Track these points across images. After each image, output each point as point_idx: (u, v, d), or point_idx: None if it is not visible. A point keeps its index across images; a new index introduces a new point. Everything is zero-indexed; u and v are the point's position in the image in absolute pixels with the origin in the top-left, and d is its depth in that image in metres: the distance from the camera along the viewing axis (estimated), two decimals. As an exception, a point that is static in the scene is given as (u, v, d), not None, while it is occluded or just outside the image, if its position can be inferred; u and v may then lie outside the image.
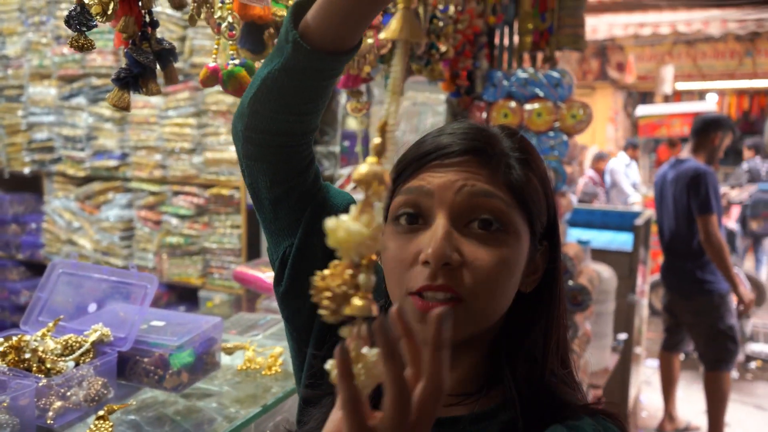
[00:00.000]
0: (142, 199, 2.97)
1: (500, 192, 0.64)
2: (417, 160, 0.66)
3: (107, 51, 2.89)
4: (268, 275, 2.11)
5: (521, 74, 2.59)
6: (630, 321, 3.71)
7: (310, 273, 0.57)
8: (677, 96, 9.66)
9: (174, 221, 2.88)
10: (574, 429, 0.64)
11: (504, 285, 0.65)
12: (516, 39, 2.86)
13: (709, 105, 7.64)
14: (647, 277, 4.47)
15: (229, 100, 2.67)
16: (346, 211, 0.71)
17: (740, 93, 9.40)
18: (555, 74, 2.58)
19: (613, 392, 3.59)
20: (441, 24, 1.98)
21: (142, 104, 2.88)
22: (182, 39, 2.69)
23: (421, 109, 2.73)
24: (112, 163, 2.99)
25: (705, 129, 3.55)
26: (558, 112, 2.55)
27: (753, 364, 4.92)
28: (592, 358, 3.13)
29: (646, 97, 9.96)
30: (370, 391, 0.46)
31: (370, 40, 1.53)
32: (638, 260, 3.75)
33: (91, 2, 0.96)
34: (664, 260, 3.84)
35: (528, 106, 2.55)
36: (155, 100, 2.84)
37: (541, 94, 2.55)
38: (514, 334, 0.70)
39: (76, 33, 0.95)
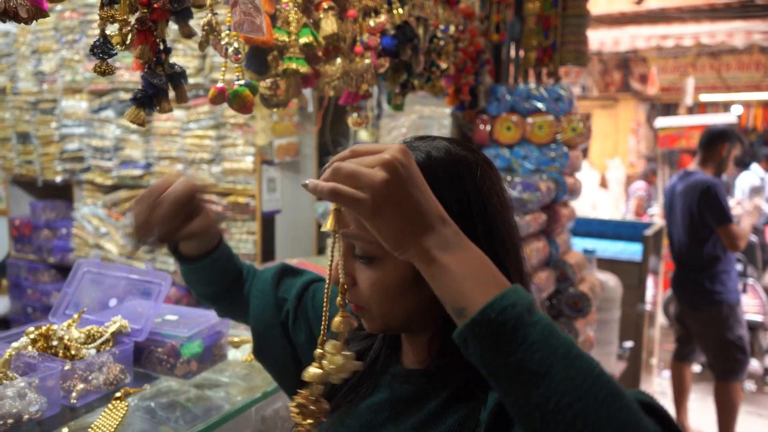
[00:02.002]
0: (165, 207, 3.14)
1: (365, 231, 0.74)
2: None
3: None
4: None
5: (523, 89, 2.70)
6: (639, 330, 3.76)
7: (270, 330, 1.08)
8: (702, 108, 9.59)
9: (194, 227, 3.03)
10: None
11: (385, 298, 0.79)
12: (521, 54, 2.97)
13: (729, 117, 7.60)
14: (660, 287, 4.50)
15: (245, 114, 2.82)
16: (276, 276, 1.14)
17: (766, 105, 9.30)
18: (557, 89, 2.69)
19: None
20: (442, 43, 2.10)
21: (166, 117, 3.05)
22: (203, 56, 2.85)
23: (426, 122, 2.85)
24: (137, 172, 3.16)
25: (712, 141, 3.59)
26: (559, 125, 2.65)
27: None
28: (597, 364, 3.20)
29: (670, 109, 9.91)
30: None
31: (367, 61, 1.66)
32: (647, 270, 3.80)
33: (112, 33, 1.11)
34: (674, 271, 3.87)
35: (530, 120, 2.66)
36: (177, 113, 3.01)
37: (542, 107, 2.66)
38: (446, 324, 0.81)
39: (99, 60, 1.10)
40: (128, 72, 3.10)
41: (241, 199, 2.90)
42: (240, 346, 1.73)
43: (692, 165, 3.72)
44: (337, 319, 0.74)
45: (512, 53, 2.99)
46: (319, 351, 0.75)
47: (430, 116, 2.82)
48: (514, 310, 0.58)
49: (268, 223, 2.92)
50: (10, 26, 3.50)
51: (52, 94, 3.44)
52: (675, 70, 9.00)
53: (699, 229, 3.54)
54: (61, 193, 3.83)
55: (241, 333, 1.82)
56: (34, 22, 1.02)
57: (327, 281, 0.76)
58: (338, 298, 0.77)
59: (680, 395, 3.92)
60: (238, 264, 1.17)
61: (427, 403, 0.83)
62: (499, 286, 0.62)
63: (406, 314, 0.82)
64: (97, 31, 1.01)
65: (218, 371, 1.61)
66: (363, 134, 3.12)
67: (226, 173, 2.92)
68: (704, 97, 8.82)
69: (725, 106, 9.48)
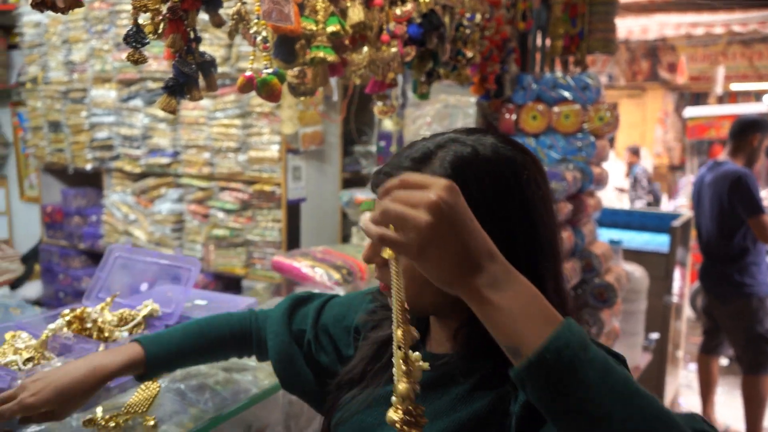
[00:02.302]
0: (192, 194, 3.18)
1: None
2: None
3: (162, 57, 3.11)
4: (303, 264, 2.27)
5: (550, 78, 2.68)
6: (666, 322, 3.73)
7: (295, 368, 1.11)
8: (732, 97, 9.39)
9: (220, 215, 3.08)
10: None
11: (414, 285, 0.79)
12: (548, 43, 2.94)
13: (761, 107, 7.43)
14: (687, 279, 4.44)
15: (272, 103, 2.85)
16: (286, 313, 1.16)
17: (799, 94, 9.08)
18: (584, 77, 2.66)
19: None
20: (468, 31, 2.09)
21: (192, 106, 3.09)
22: (229, 45, 2.88)
23: (452, 112, 2.84)
24: (165, 160, 3.21)
25: (743, 131, 3.52)
26: (586, 114, 2.63)
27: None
28: (623, 355, 3.18)
29: (699, 98, 9.72)
30: None
31: (394, 49, 1.66)
32: (675, 262, 3.76)
33: (145, 23, 1.13)
34: (702, 263, 3.82)
35: (556, 109, 2.64)
36: (204, 102, 3.04)
37: (569, 96, 2.64)
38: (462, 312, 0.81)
39: (132, 49, 1.12)
40: (156, 61, 3.14)
41: (267, 188, 2.93)
42: (267, 332, 1.76)
43: (722, 155, 3.66)
44: (399, 331, 0.71)
45: (539, 42, 2.96)
46: (404, 368, 0.72)
47: (455, 105, 2.81)
48: (569, 350, 0.59)
49: (293, 211, 2.94)
50: (41, 17, 3.56)
51: (82, 84, 3.50)
52: (705, 59, 8.81)
53: (728, 220, 3.49)
54: (92, 181, 3.91)
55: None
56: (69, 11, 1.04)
57: (394, 310, 0.72)
58: (399, 315, 0.72)
59: (707, 388, 3.88)
60: (224, 335, 1.19)
61: (452, 387, 0.83)
62: (552, 323, 0.61)
63: (432, 303, 0.83)
64: (126, 21, 1.03)
65: (245, 356, 1.64)
66: (388, 123, 3.12)
67: (251, 162, 2.95)
68: (735, 86, 8.64)
69: (757, 96, 9.27)
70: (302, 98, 1.57)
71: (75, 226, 3.76)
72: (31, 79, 3.75)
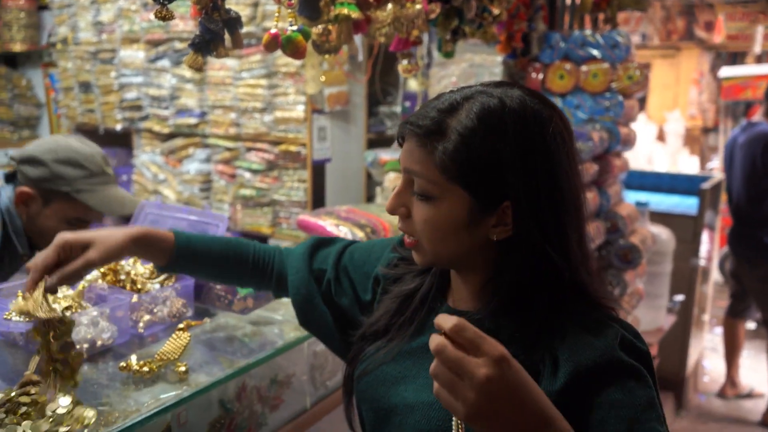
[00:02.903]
0: (219, 154, 3.23)
1: (427, 171, 0.81)
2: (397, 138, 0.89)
3: (188, 17, 3.13)
4: (328, 223, 2.31)
5: (578, 35, 2.63)
6: (691, 285, 3.71)
7: (313, 305, 1.14)
8: (772, 57, 9.06)
9: (247, 175, 3.12)
10: (581, 336, 0.78)
11: (436, 237, 0.83)
12: (577, 0, 2.87)
13: (802, 66, 7.17)
14: (716, 243, 4.39)
15: (297, 63, 2.85)
16: (309, 251, 1.17)
17: (842, 53, 8.71)
18: (614, 35, 2.60)
19: (671, 354, 3.62)
20: (495, -13, 2.06)
21: (219, 66, 3.10)
22: (255, 5, 2.87)
23: (477, 71, 2.81)
24: (193, 120, 3.25)
25: None
26: (614, 73, 2.58)
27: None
28: (646, 317, 3.18)
29: (737, 58, 9.39)
30: None
31: (418, 6, 1.65)
32: (703, 224, 3.71)
33: (172, -21, 1.14)
34: (731, 226, 3.77)
35: (584, 68, 2.59)
36: (230, 62, 3.06)
37: (598, 55, 2.59)
38: (505, 263, 0.83)
39: (159, 5, 1.14)
40: (182, 21, 3.16)
41: (293, 148, 2.96)
42: (292, 287, 1.81)
43: (756, 116, 3.57)
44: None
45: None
46: None
47: (481, 64, 2.79)
48: None
49: (318, 171, 2.97)
50: (70, -23, 3.59)
51: (110, 44, 3.54)
52: (744, 17, 8.48)
53: (760, 183, 3.43)
54: (122, 141, 3.98)
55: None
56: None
57: None
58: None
59: (732, 352, 3.87)
60: (247, 257, 1.20)
61: None
62: None
63: (455, 253, 0.85)
64: None
65: (271, 310, 1.69)
66: (413, 83, 3.11)
67: (277, 122, 2.97)
68: (775, 46, 8.32)
69: (797, 55, 8.93)
70: (327, 57, 1.57)
71: (107, 186, 3.84)
72: (62, 39, 3.80)
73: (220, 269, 1.20)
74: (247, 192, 3.11)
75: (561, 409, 0.68)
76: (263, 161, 3.06)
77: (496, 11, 2.08)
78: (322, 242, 1.18)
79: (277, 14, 1.33)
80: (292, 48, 1.32)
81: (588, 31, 2.67)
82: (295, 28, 1.31)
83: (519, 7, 2.33)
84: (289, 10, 1.31)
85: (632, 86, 2.57)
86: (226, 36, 1.28)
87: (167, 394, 1.20)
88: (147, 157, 3.51)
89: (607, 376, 0.74)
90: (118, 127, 3.62)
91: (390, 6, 1.58)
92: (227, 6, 1.27)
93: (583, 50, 2.60)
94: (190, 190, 3.29)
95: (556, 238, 0.80)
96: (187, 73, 3.21)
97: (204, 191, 3.30)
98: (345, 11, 1.40)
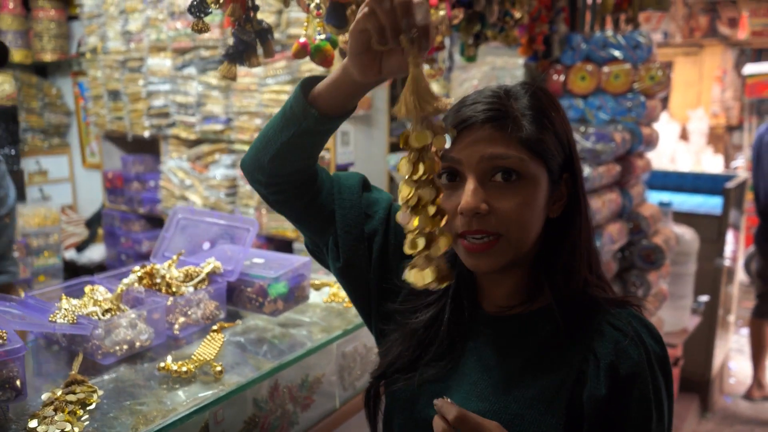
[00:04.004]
0: (245, 160, 3.29)
1: (513, 150, 0.81)
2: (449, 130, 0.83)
3: (214, 25, 3.18)
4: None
5: (600, 37, 2.64)
6: (716, 285, 3.68)
7: (358, 244, 0.98)
8: (798, 53, 8.92)
9: (272, 179, 3.17)
10: (617, 327, 0.83)
11: (528, 219, 0.82)
12: (598, 1, 2.88)
13: (828, 62, 7.05)
14: (741, 242, 4.35)
15: (322, 69, 2.89)
16: (359, 186, 1.02)
17: None
18: (635, 36, 2.61)
19: (696, 355, 3.60)
20: (516, -9, 2.09)
21: (244, 73, 3.16)
22: (279, 12, 2.92)
23: (499, 74, 2.83)
24: (219, 127, 3.32)
25: None
26: (636, 74, 2.58)
27: None
28: (671, 318, 3.17)
29: (762, 55, 9.25)
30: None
31: (442, 12, 1.68)
32: (727, 224, 3.69)
33: (206, -7, 1.19)
34: (759, 225, 3.73)
35: (606, 69, 2.60)
36: (255, 69, 3.11)
37: (619, 56, 2.59)
38: (550, 252, 0.87)
39: (195, 18, 1.19)
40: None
41: (317, 152, 3.00)
42: (320, 289, 1.85)
43: None
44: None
45: (589, 0, 2.90)
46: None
47: (503, 67, 2.81)
48: None
49: (342, 175, 3.01)
50: (99, -12, 3.68)
51: (139, 53, 3.62)
52: (768, 13, 8.37)
53: None
54: (149, 148, 4.06)
55: (321, 277, 1.93)
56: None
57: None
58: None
59: (759, 353, 3.83)
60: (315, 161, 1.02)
61: (516, 351, 0.86)
62: None
63: (533, 239, 0.85)
64: None
65: (300, 312, 1.73)
66: (434, 86, 3.14)
67: (302, 127, 3.02)
68: (800, 41, 8.19)
69: (825, 51, 8.78)
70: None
71: (134, 192, 3.93)
72: (91, 49, 3.89)
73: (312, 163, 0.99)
74: (272, 196, 3.17)
75: (601, 411, 0.78)
76: (287, 166, 3.11)
77: (517, 15, 2.11)
78: (366, 183, 1.05)
79: (306, 23, 1.36)
80: (321, 56, 1.35)
81: (609, 32, 2.68)
82: (323, 36, 1.35)
83: (540, 10, 2.35)
84: (318, 20, 1.35)
85: (654, 87, 2.57)
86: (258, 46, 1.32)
87: (205, 393, 1.24)
88: (174, 163, 3.58)
89: (631, 390, 0.80)
90: (146, 134, 3.70)
91: (414, 13, 1.61)
92: (258, 17, 1.31)
93: (604, 51, 2.61)
94: (216, 195, 3.36)
95: (577, 198, 0.89)
96: (213, 80, 3.27)
97: (230, 196, 3.36)
98: (371, 20, 1.43)
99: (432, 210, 0.74)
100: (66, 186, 4.88)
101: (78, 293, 1.49)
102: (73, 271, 4.27)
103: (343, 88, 0.83)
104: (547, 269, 0.87)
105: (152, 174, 3.90)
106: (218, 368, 1.30)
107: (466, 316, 0.91)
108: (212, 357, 1.35)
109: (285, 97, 3.02)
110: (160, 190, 3.73)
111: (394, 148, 3.21)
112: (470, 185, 0.80)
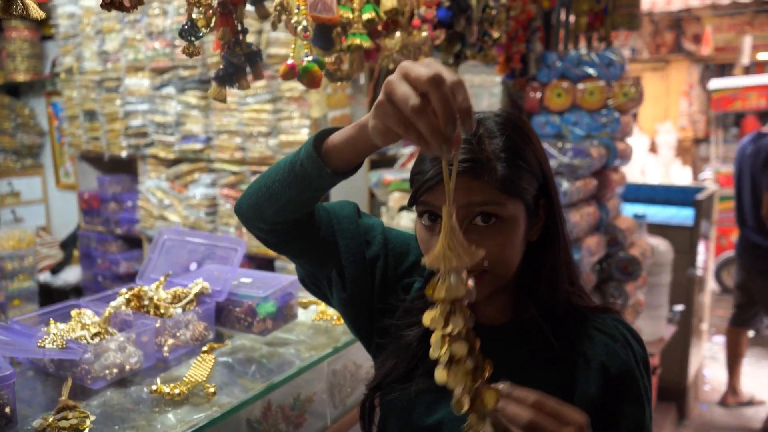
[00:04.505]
0: (225, 179, 3.28)
1: (491, 196, 0.83)
2: (424, 182, 0.84)
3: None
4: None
5: (574, 55, 2.71)
6: (690, 294, 3.76)
7: (363, 272, 0.99)
8: (759, 67, 9.20)
9: (253, 198, 3.17)
10: (604, 331, 0.89)
11: (510, 255, 0.86)
12: (572, 20, 2.96)
13: (788, 77, 7.31)
14: (711, 252, 4.45)
15: (301, 87, 2.92)
16: (355, 215, 1.03)
17: (828, 63, 8.87)
18: (608, 54, 2.69)
19: (672, 364, 3.66)
20: (494, 12, 2.13)
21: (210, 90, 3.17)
22: (259, 32, 2.94)
23: (477, 91, 2.89)
24: (198, 146, 3.31)
25: None
26: (610, 90, 2.66)
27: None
28: (647, 327, 3.23)
29: (725, 70, 9.55)
30: None
31: (425, 33, 1.72)
32: (699, 235, 3.78)
33: (198, 17, 1.21)
34: (741, 237, 3.76)
35: (581, 86, 2.67)
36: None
37: (593, 73, 2.66)
38: (532, 271, 0.91)
39: (187, 42, 1.20)
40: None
41: (298, 170, 3.01)
42: (307, 307, 1.85)
43: (767, 127, 3.61)
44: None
45: (562, 18, 2.98)
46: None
47: (481, 85, 2.86)
48: None
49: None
50: (75, 8, 3.66)
51: (116, 73, 3.60)
52: (731, 29, 8.64)
53: None
54: (126, 168, 4.03)
55: (308, 295, 1.93)
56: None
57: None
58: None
59: (734, 360, 3.91)
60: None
61: (504, 362, 0.87)
62: None
63: (517, 264, 0.89)
64: (158, 11, 1.09)
65: (287, 331, 1.73)
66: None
67: (282, 145, 3.03)
68: (762, 56, 8.47)
69: (785, 66, 9.09)
70: (339, 83, 1.63)
71: (111, 212, 3.89)
72: (67, 69, 3.86)
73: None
74: (253, 214, 3.16)
75: (594, 410, 0.79)
76: (268, 184, 3.11)
77: (495, 34, 2.16)
78: (359, 209, 1.06)
79: (293, 45, 1.38)
80: (309, 78, 1.37)
81: (583, 50, 2.76)
82: (310, 58, 1.37)
83: (517, 30, 2.41)
84: (305, 42, 1.37)
85: (628, 103, 2.65)
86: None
87: (198, 415, 1.23)
88: (152, 182, 3.56)
89: (622, 388, 0.85)
90: (124, 153, 3.67)
91: (398, 34, 1.64)
92: (247, 41, 1.33)
93: (579, 69, 2.68)
94: (196, 215, 3.34)
95: (555, 217, 0.92)
96: (193, 99, 3.27)
97: (210, 215, 3.34)
98: (357, 41, 1.47)
99: (470, 365, 0.72)
100: (39, 207, 4.80)
101: (63, 317, 1.48)
102: (47, 294, 4.19)
103: (359, 148, 0.83)
104: (530, 287, 0.92)
105: (129, 194, 3.86)
106: (211, 389, 1.30)
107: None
108: (204, 378, 1.35)
109: (265, 116, 3.03)
110: (138, 210, 3.70)
111: (373, 164, 3.23)
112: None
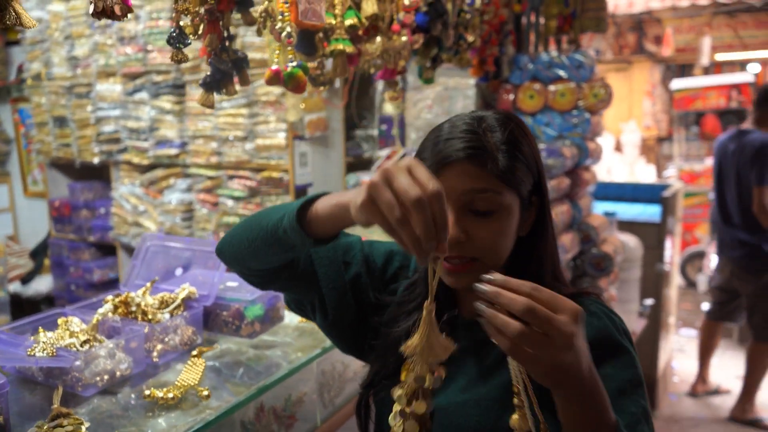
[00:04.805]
0: (201, 184, 3.26)
1: (490, 184, 0.86)
2: (429, 167, 0.87)
3: (166, 50, 3.17)
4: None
5: (545, 58, 2.78)
6: (659, 289, 3.87)
7: (344, 297, 1.04)
8: (717, 67, 9.49)
9: (230, 203, 3.17)
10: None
11: (502, 245, 0.90)
12: (542, 23, 3.03)
13: (746, 76, 7.56)
14: (677, 248, 4.59)
15: (277, 91, 2.93)
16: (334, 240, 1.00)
17: (783, 62, 9.19)
18: (578, 56, 2.76)
19: (642, 357, 3.76)
20: (468, 16, 2.19)
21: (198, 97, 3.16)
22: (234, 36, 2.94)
23: (451, 94, 2.94)
24: (173, 151, 3.29)
25: (767, 99, 3.53)
26: (581, 92, 2.73)
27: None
28: (619, 322, 3.32)
29: (685, 70, 9.82)
30: None
31: (404, 38, 1.75)
32: (666, 231, 3.90)
33: (185, 25, 1.22)
34: (724, 234, 3.78)
35: (552, 87, 2.74)
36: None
37: (564, 75, 2.74)
38: (519, 264, 0.95)
39: (175, 50, 1.21)
40: (160, 54, 3.20)
41: (275, 174, 3.02)
42: (293, 309, 1.87)
43: (746, 124, 3.64)
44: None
45: (532, 21, 3.05)
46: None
47: (455, 87, 2.91)
48: None
49: (301, 195, 3.04)
50: (42, 13, 3.60)
51: (86, 78, 3.55)
52: (690, 30, 8.89)
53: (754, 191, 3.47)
54: (98, 174, 3.97)
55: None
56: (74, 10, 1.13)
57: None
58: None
59: (707, 352, 3.98)
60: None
61: (484, 355, 0.93)
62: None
63: (506, 255, 0.92)
64: (129, 16, 1.10)
65: (272, 333, 1.75)
66: (388, 107, 3.22)
67: (259, 149, 3.04)
68: (720, 57, 8.74)
69: (742, 65, 9.39)
70: (323, 88, 1.66)
71: (83, 219, 3.83)
72: (34, 75, 3.79)
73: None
74: (230, 219, 3.16)
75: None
76: (245, 188, 3.11)
77: (470, 38, 2.21)
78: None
79: (277, 51, 1.40)
80: (294, 83, 1.39)
81: (554, 53, 2.83)
82: (294, 63, 1.39)
83: (491, 34, 2.46)
84: (289, 48, 1.39)
85: (598, 103, 2.73)
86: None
87: (194, 418, 1.24)
88: (126, 189, 3.52)
89: (602, 352, 0.84)
90: (96, 160, 3.62)
91: (378, 39, 1.68)
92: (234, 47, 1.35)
93: (550, 71, 2.75)
94: (171, 220, 3.32)
95: (544, 214, 0.96)
96: (167, 104, 3.25)
97: (186, 221, 3.32)
98: (341, 46, 1.49)
99: None
100: (6, 216, 4.69)
101: (47, 326, 1.47)
102: (18, 304, 4.10)
103: (340, 225, 0.87)
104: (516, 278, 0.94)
105: (102, 201, 3.81)
106: (205, 392, 1.31)
107: (444, 320, 0.97)
108: (196, 382, 1.36)
109: (241, 120, 3.03)
110: (112, 217, 3.65)
111: (350, 167, 3.26)
112: (450, 217, 0.86)
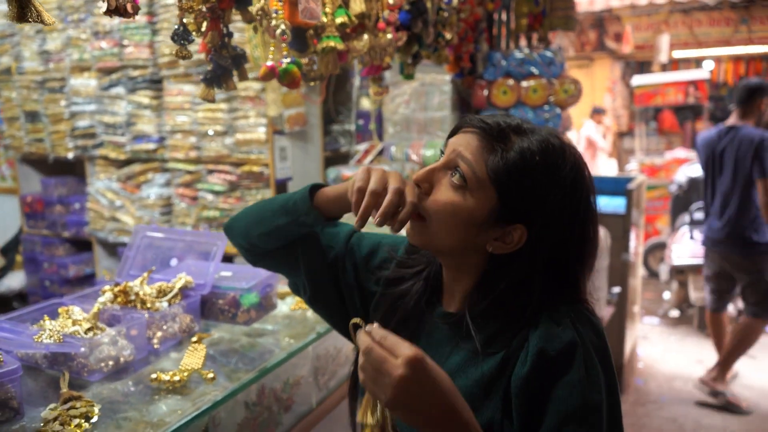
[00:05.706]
0: (180, 178, 3.28)
1: (478, 163, 0.87)
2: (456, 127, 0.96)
3: (143, 45, 3.18)
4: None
5: (518, 55, 2.89)
6: (624, 279, 4.03)
7: (323, 279, 1.14)
8: (674, 64, 9.80)
9: (209, 197, 3.19)
10: (551, 317, 0.87)
11: (451, 222, 0.89)
12: (513, 21, 3.14)
13: (702, 73, 7.85)
14: (640, 239, 4.77)
15: (256, 86, 2.97)
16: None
17: (736, 59, 9.52)
18: (548, 53, 2.88)
19: (611, 343, 3.90)
20: (446, 14, 2.27)
21: (176, 92, 3.17)
22: (213, 32, 2.97)
23: (428, 89, 3.02)
24: (151, 146, 3.29)
25: (751, 95, 3.60)
26: (552, 88, 2.85)
27: None
28: (588, 309, 3.46)
29: (644, 66, 10.13)
30: None
31: (389, 35, 1.82)
32: (630, 222, 4.06)
33: (188, 22, 1.27)
34: (714, 227, 3.86)
35: (524, 83, 2.85)
36: (187, 87, 3.13)
37: (536, 72, 2.85)
38: (491, 278, 0.93)
39: (179, 46, 1.26)
40: (136, 49, 3.20)
41: (255, 168, 3.06)
42: (284, 298, 1.93)
43: (733, 120, 3.73)
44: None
45: (504, 19, 3.15)
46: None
47: (431, 83, 3.00)
48: None
49: (281, 189, 3.09)
50: (13, 7, 3.55)
51: (59, 73, 3.52)
52: (649, 28, 9.16)
53: (752, 183, 3.59)
54: (71, 169, 3.94)
55: (285, 287, 2.01)
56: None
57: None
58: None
59: (720, 340, 4.03)
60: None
61: (462, 345, 0.94)
62: None
63: (451, 247, 0.91)
64: (104, 10, 1.15)
65: (263, 322, 1.80)
66: (365, 102, 3.28)
67: (239, 144, 3.07)
68: (677, 54, 9.05)
69: (697, 62, 9.73)
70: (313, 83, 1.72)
71: (57, 215, 3.80)
72: (4, 69, 3.74)
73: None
74: (210, 213, 3.19)
75: (527, 391, 0.83)
76: (225, 182, 3.14)
77: (448, 36, 2.30)
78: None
79: (272, 49, 1.46)
80: (289, 78, 1.45)
81: (526, 50, 2.94)
82: (288, 60, 1.44)
83: (467, 31, 2.55)
84: (284, 45, 1.45)
85: (568, 99, 2.85)
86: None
87: (202, 398, 1.30)
88: (102, 184, 3.51)
89: (564, 368, 0.84)
90: (70, 155, 3.60)
91: (366, 36, 1.75)
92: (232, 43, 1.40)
93: (522, 68, 2.86)
94: (150, 215, 3.32)
95: (553, 273, 0.90)
96: (144, 99, 3.25)
97: (165, 215, 3.33)
98: (332, 43, 1.56)
99: None
100: (-27, 213, 4.60)
101: (46, 316, 1.49)
102: (-11, 301, 4.04)
103: (345, 207, 1.05)
104: (489, 290, 0.93)
105: (76, 196, 3.78)
106: (210, 375, 1.36)
107: (428, 307, 1.02)
108: (199, 365, 1.41)
109: (220, 115, 3.06)
110: (87, 212, 3.63)
111: (328, 161, 3.32)
112: (434, 164, 0.94)
